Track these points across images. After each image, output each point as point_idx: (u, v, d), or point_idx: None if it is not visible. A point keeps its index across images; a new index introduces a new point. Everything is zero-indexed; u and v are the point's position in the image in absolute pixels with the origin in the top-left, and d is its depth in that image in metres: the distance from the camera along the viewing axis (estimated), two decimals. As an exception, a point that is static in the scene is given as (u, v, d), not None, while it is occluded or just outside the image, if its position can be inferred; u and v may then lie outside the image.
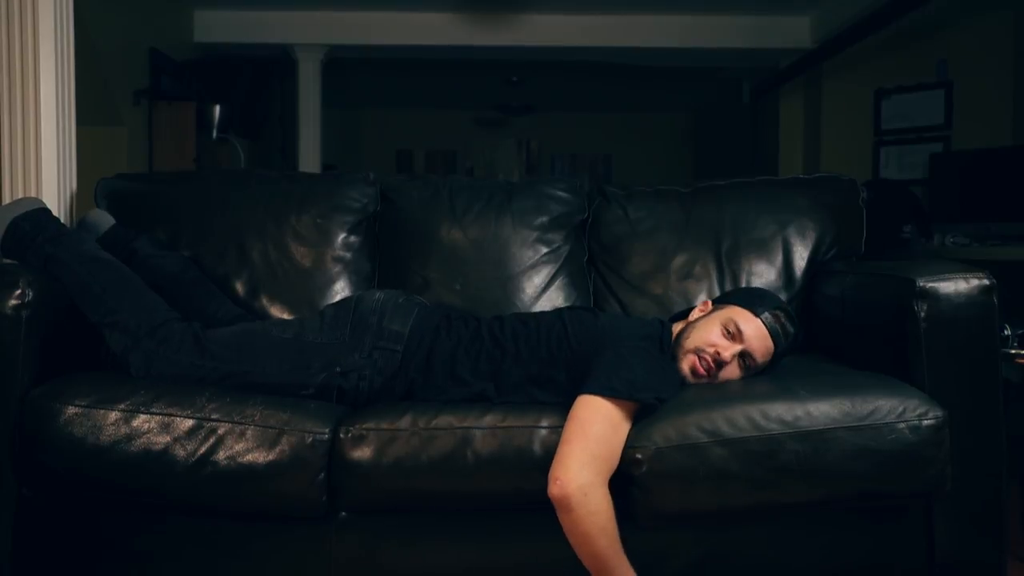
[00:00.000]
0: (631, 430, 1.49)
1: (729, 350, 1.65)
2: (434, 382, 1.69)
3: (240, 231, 2.14)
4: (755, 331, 1.66)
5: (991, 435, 1.61)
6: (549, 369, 1.67)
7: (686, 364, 1.67)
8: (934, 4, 4.32)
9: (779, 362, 1.73)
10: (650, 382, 1.53)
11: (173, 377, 1.67)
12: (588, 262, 2.24)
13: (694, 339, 1.68)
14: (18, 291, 1.61)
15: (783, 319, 1.69)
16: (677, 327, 1.78)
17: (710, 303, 1.79)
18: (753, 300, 1.72)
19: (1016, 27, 4.85)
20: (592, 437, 1.44)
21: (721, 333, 1.66)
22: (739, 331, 1.66)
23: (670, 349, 1.72)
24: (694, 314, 1.78)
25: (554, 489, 1.42)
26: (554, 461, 1.45)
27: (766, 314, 1.68)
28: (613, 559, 1.43)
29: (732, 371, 1.66)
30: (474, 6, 5.37)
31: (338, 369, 1.69)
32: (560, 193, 2.25)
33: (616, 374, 1.51)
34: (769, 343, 1.67)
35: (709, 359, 1.65)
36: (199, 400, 1.57)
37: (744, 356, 1.66)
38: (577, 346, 1.68)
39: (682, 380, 1.66)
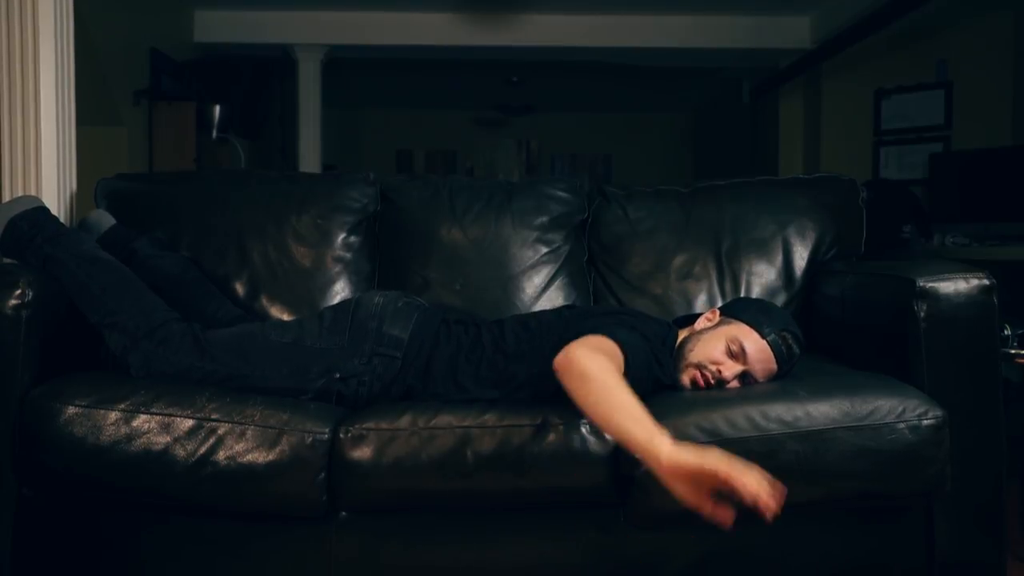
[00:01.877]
0: None
1: (731, 370, 1.64)
2: (433, 388, 1.69)
3: (240, 231, 2.14)
4: (759, 353, 1.65)
5: (991, 435, 1.61)
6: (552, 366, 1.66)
7: (687, 376, 1.66)
8: (934, 4, 4.32)
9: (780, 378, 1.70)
10: (637, 355, 1.55)
11: (173, 378, 1.67)
12: (588, 262, 2.24)
13: (697, 352, 1.67)
14: (18, 291, 1.61)
15: (790, 341, 1.66)
16: (682, 333, 1.77)
17: (718, 312, 1.77)
18: (761, 319, 1.68)
19: (1016, 27, 4.85)
20: (596, 340, 1.49)
21: (725, 351, 1.65)
22: (743, 351, 1.64)
23: (672, 352, 1.71)
24: (700, 323, 1.77)
25: (559, 357, 1.44)
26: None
27: (773, 336, 1.65)
28: (630, 403, 1.34)
29: (731, 385, 1.66)
30: (474, 6, 5.37)
31: (337, 375, 1.69)
32: (560, 193, 2.25)
33: (611, 328, 1.55)
34: (772, 365, 1.66)
35: (710, 376, 1.64)
36: (199, 400, 1.57)
37: (745, 375, 1.65)
38: (578, 329, 1.67)
39: (679, 386, 1.66)
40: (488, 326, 1.79)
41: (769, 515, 1.18)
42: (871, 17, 4.55)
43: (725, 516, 1.22)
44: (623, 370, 1.46)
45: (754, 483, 1.19)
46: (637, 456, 1.32)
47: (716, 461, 1.21)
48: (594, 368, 1.39)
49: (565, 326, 1.70)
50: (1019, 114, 4.81)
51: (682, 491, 1.23)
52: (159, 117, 4.55)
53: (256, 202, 2.19)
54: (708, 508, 1.22)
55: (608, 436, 1.43)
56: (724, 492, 1.21)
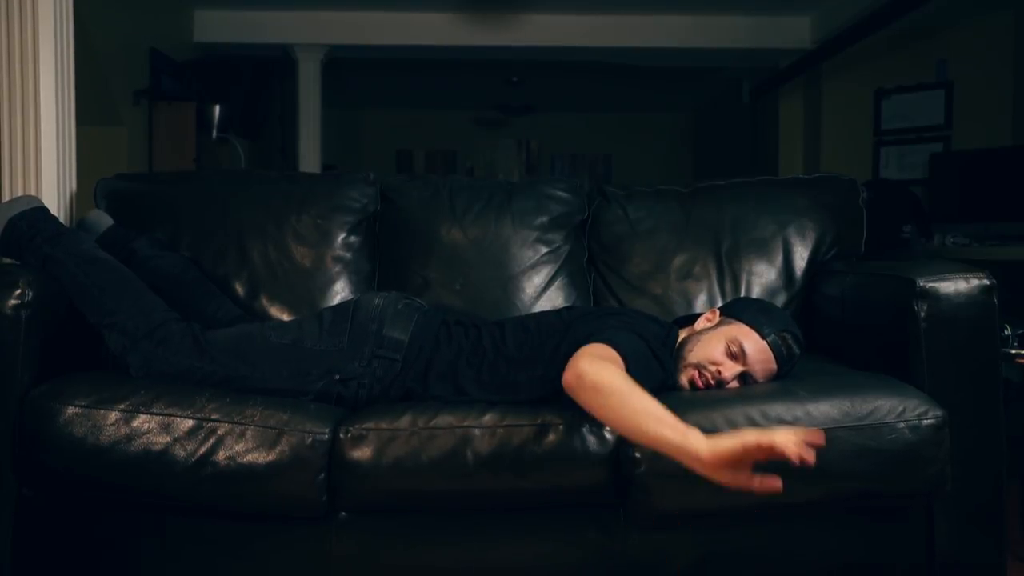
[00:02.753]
0: None
1: (731, 371, 1.64)
2: (433, 391, 1.68)
3: (240, 231, 2.14)
4: (759, 354, 1.64)
5: (991, 435, 1.61)
6: (555, 368, 1.65)
7: (685, 377, 1.66)
8: (934, 4, 4.32)
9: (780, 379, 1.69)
10: (638, 359, 1.54)
11: (172, 378, 1.67)
12: (588, 262, 2.24)
13: (697, 353, 1.66)
14: (18, 291, 1.61)
15: (790, 341, 1.66)
16: (682, 333, 1.77)
17: (718, 312, 1.76)
18: (761, 320, 1.67)
19: (1016, 27, 4.85)
20: (596, 348, 1.48)
21: (724, 351, 1.64)
22: (743, 352, 1.64)
23: (672, 352, 1.71)
24: (700, 323, 1.76)
25: (568, 375, 1.43)
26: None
27: (773, 336, 1.65)
28: (652, 407, 1.35)
29: (730, 385, 1.65)
30: (474, 6, 5.37)
31: (337, 377, 1.68)
32: (560, 193, 2.25)
33: (609, 333, 1.55)
34: (772, 366, 1.65)
35: (709, 377, 1.64)
36: (199, 400, 1.57)
37: (744, 376, 1.65)
38: (580, 331, 1.66)
39: (679, 386, 1.66)
40: (488, 328, 1.78)
41: (811, 462, 1.21)
42: (871, 17, 4.55)
43: (774, 483, 1.23)
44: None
45: (792, 441, 1.20)
46: (674, 458, 1.31)
47: (753, 437, 1.22)
48: (605, 378, 1.39)
49: (566, 328, 1.70)
50: (1019, 114, 4.81)
51: (728, 479, 1.25)
52: (159, 117, 4.55)
53: (256, 202, 2.19)
54: (756, 483, 1.23)
55: (637, 442, 1.42)
56: (761, 462, 1.23)
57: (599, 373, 1.40)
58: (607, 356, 1.47)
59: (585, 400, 1.41)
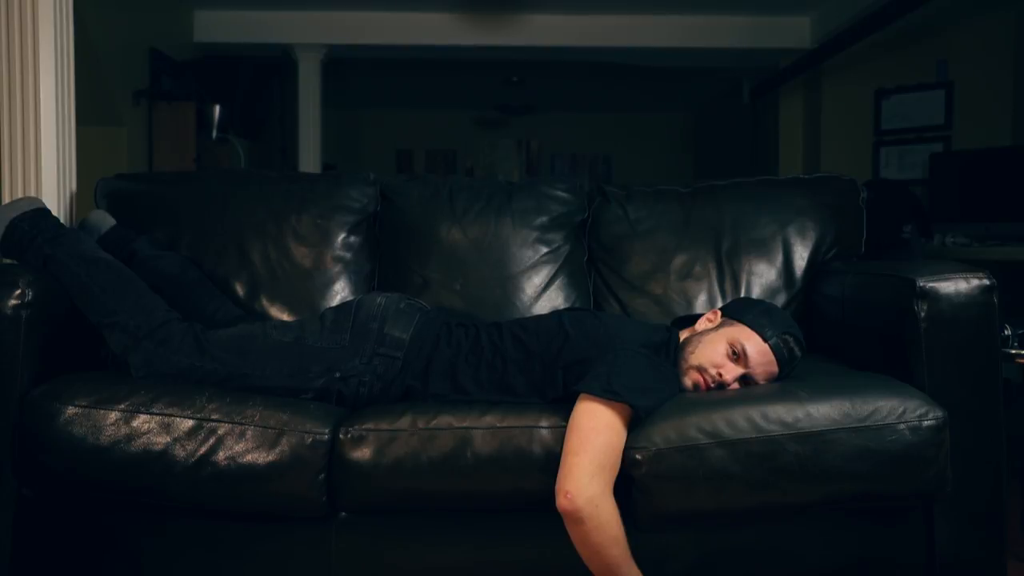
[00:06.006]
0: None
1: (732, 373, 1.63)
2: (433, 389, 1.68)
3: (240, 231, 2.14)
4: (761, 356, 1.64)
5: (991, 435, 1.61)
6: (551, 374, 1.66)
7: (689, 380, 1.65)
8: (934, 4, 4.32)
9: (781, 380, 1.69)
10: (649, 388, 1.51)
11: (173, 378, 1.67)
12: (588, 262, 2.24)
13: (699, 355, 1.66)
14: (18, 291, 1.62)
15: (792, 344, 1.66)
16: (683, 334, 1.76)
17: (719, 313, 1.76)
18: (763, 322, 1.67)
19: (1016, 27, 4.85)
20: (598, 447, 1.43)
21: (726, 353, 1.64)
22: (745, 354, 1.63)
23: (674, 355, 1.71)
24: (701, 323, 1.76)
25: (564, 502, 1.41)
26: (561, 473, 1.43)
27: (775, 339, 1.64)
28: (624, 567, 1.43)
29: (731, 387, 1.65)
30: (474, 6, 5.37)
31: (338, 374, 1.69)
32: (560, 193, 2.25)
33: (617, 378, 1.49)
34: (774, 368, 1.65)
35: (710, 380, 1.63)
36: (199, 400, 1.57)
37: (745, 377, 1.65)
38: (579, 348, 1.66)
39: (682, 388, 1.65)
40: (487, 328, 1.78)
41: None
42: (871, 17, 4.55)
43: None
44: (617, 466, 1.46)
45: None
46: None
47: None
48: (601, 536, 1.42)
49: (565, 336, 1.69)
50: (1019, 114, 4.81)
51: None
52: (159, 117, 4.55)
53: (256, 202, 2.19)
54: None
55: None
56: None
57: (593, 519, 1.41)
58: (611, 459, 1.44)
59: (571, 533, 1.44)
